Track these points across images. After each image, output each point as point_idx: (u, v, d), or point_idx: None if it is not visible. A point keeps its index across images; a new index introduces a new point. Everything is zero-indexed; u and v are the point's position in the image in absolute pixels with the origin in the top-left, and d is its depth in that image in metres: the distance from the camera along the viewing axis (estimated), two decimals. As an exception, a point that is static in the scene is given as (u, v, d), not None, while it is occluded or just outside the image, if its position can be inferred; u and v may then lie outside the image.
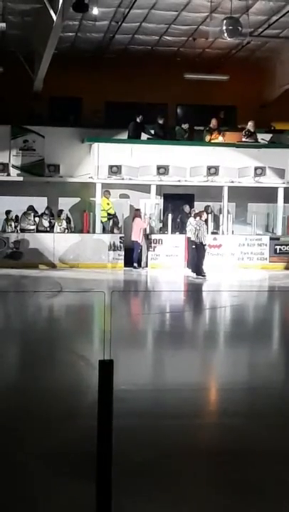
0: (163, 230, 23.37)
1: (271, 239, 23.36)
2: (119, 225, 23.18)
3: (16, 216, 22.73)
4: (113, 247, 22.49)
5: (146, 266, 22.44)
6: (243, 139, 23.85)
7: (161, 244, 22.68)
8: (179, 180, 23.27)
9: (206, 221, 21.67)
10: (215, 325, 14.01)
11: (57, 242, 22.33)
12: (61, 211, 23.04)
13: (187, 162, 23.16)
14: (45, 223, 22.81)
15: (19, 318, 14.24)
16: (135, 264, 22.19)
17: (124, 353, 9.87)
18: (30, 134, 23.36)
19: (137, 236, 22.31)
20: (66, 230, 22.90)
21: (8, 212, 22.62)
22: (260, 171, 23.32)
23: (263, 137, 24.46)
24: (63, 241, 22.49)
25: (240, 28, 18.84)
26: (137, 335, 12.70)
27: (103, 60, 24.66)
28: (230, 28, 18.69)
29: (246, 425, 7.21)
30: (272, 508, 5.34)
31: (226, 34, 18.86)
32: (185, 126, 24.19)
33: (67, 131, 23.71)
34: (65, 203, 23.73)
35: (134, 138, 23.45)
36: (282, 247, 23.21)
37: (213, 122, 24.03)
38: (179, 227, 23.03)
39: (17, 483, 5.62)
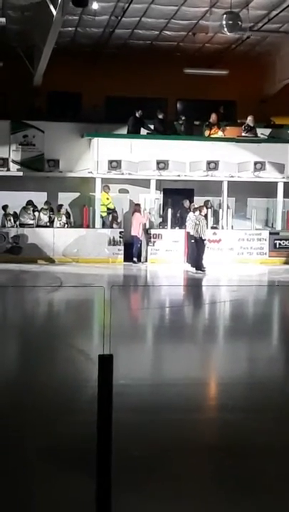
0: (162, 224, 23.36)
1: (271, 234, 23.35)
2: (119, 220, 23.18)
3: (15, 212, 22.71)
4: (113, 242, 22.49)
5: (146, 261, 22.44)
6: (243, 134, 23.84)
7: (161, 239, 22.68)
8: (179, 175, 23.27)
9: (206, 216, 21.65)
10: (214, 319, 14.04)
11: (56, 237, 22.32)
12: (61, 206, 23.04)
13: (187, 157, 23.15)
14: (45, 218, 22.80)
15: (19, 313, 14.25)
16: (135, 259, 22.20)
17: (123, 347, 9.89)
18: (29, 129, 23.31)
19: (136, 231, 22.32)
20: (66, 225, 22.90)
21: (5, 207, 22.60)
22: (259, 166, 23.31)
23: (263, 132, 24.46)
24: (63, 236, 22.49)
25: (240, 23, 18.79)
26: (136, 329, 12.73)
27: (103, 54, 24.63)
28: (230, 22, 18.65)
29: (245, 420, 7.23)
30: (273, 502, 5.37)
31: (225, 29, 18.81)
32: (182, 121, 24.14)
33: (67, 126, 23.66)
34: (65, 198, 23.72)
35: (134, 133, 23.44)
36: (281, 242, 23.20)
37: (213, 117, 24.00)
38: (179, 222, 23.03)
39: (17, 479, 5.64)
